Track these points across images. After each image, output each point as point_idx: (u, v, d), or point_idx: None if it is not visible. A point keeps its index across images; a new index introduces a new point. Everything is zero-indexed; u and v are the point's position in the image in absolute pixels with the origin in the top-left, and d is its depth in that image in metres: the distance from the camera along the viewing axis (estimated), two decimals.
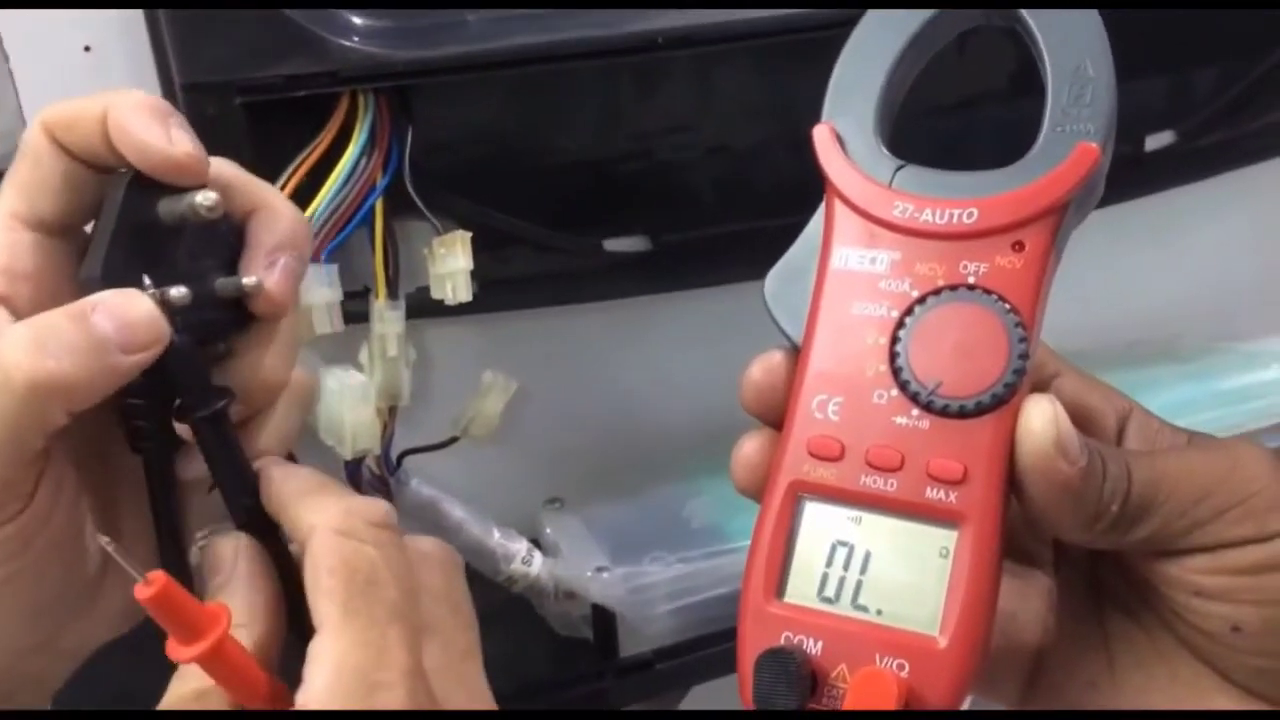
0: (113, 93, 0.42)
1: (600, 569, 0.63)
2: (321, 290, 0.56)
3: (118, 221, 0.42)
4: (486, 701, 0.43)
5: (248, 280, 0.44)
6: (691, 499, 0.67)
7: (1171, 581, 0.40)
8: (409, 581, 0.41)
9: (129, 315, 0.40)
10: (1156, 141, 0.73)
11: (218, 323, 0.45)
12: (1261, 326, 0.78)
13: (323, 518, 0.41)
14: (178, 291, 0.42)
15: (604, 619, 0.64)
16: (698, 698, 0.68)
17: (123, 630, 0.48)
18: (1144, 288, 0.76)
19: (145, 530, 0.46)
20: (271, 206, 0.45)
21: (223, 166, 0.45)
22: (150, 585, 0.37)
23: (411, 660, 0.39)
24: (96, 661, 0.50)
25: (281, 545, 0.44)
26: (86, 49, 0.53)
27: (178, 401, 0.44)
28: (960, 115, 0.68)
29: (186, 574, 0.46)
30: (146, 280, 0.42)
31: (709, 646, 0.64)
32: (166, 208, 0.43)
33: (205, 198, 0.42)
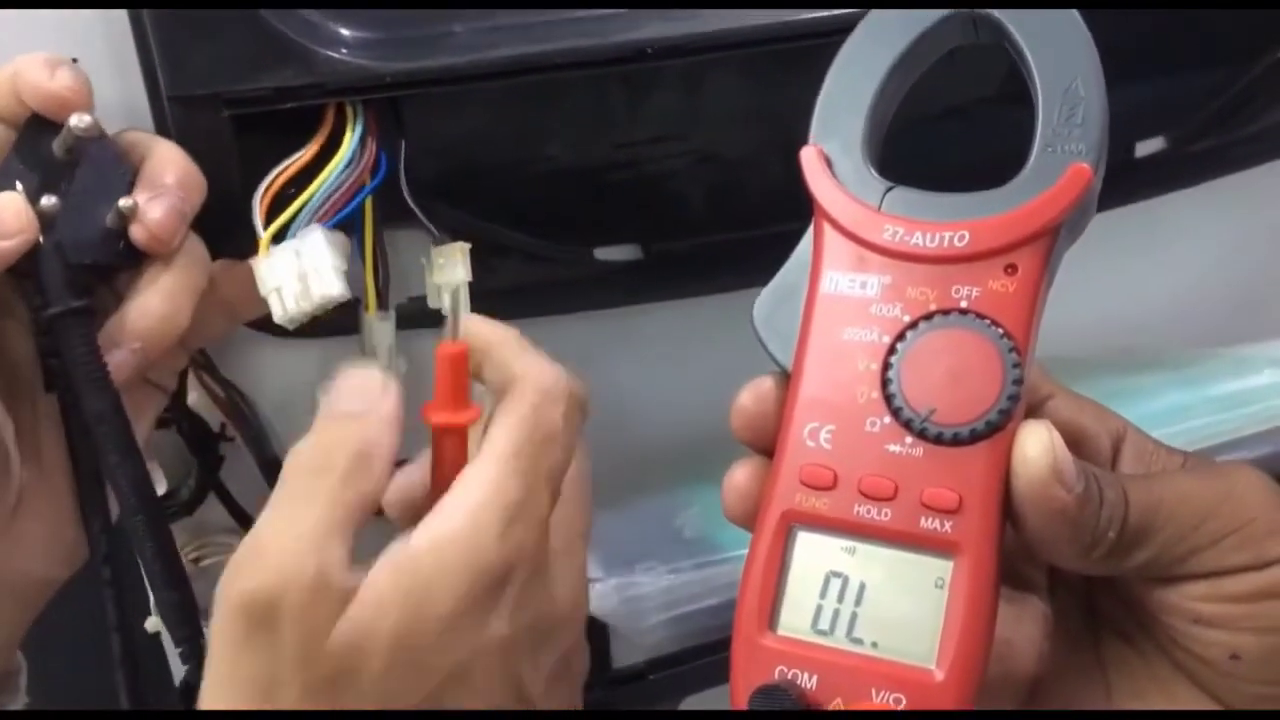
0: (22, 56, 0.49)
1: (592, 580, 0.62)
2: (326, 253, 0.53)
3: (10, 153, 0.49)
4: (582, 589, 0.49)
5: (124, 201, 0.49)
6: (683, 509, 0.67)
7: (1169, 608, 0.40)
8: (570, 458, 0.46)
9: None
10: (1147, 148, 0.73)
11: (112, 256, 0.50)
12: (1252, 331, 0.77)
13: (535, 371, 0.45)
14: (48, 200, 0.48)
15: (596, 630, 0.64)
16: (691, 708, 0.68)
17: (42, 570, 0.53)
18: (1134, 294, 0.76)
19: (65, 462, 0.52)
20: (163, 152, 0.51)
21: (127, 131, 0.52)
22: (455, 345, 0.44)
23: (546, 516, 0.44)
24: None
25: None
26: (75, 60, 0.52)
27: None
28: (944, 122, 0.69)
29: (105, 508, 0.52)
30: (19, 186, 0.48)
31: (702, 657, 0.64)
32: (57, 141, 0.49)
33: (78, 118, 0.48)
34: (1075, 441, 0.41)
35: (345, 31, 0.53)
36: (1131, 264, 0.72)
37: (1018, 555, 0.43)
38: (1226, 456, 0.68)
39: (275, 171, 0.53)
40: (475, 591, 0.41)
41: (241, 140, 0.53)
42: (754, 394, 0.42)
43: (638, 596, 0.62)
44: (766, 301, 0.43)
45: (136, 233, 0.50)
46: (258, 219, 0.53)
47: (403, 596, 0.41)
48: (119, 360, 0.49)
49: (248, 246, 0.54)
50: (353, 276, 0.58)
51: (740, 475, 0.42)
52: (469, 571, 0.41)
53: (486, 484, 0.42)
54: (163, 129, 0.54)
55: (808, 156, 0.43)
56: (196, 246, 0.52)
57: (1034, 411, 0.42)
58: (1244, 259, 0.79)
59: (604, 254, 0.66)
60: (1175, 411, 0.70)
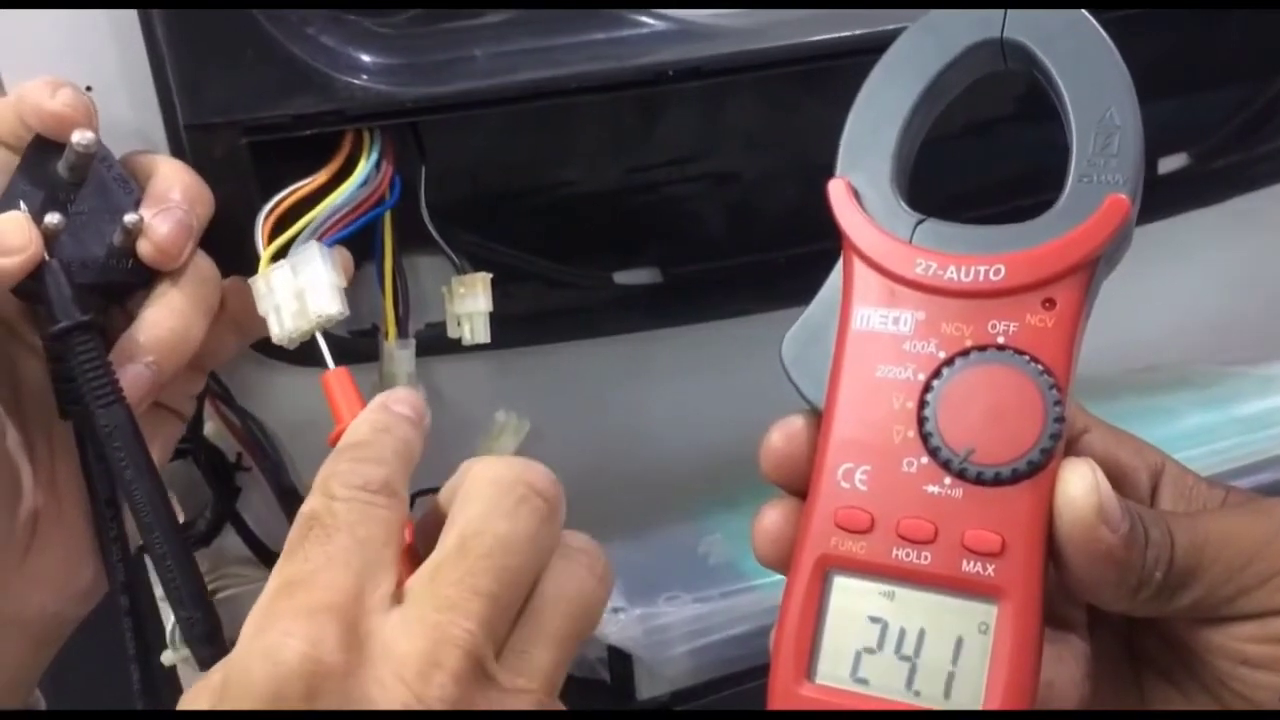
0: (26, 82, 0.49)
1: (615, 609, 0.62)
2: (322, 270, 0.52)
3: (15, 174, 0.48)
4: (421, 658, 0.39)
5: (129, 217, 0.49)
6: (706, 536, 0.66)
7: (1216, 649, 0.40)
8: (368, 531, 0.42)
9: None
10: (1170, 164, 0.72)
11: (120, 274, 0.50)
12: (1278, 349, 0.77)
13: (322, 471, 0.44)
14: (52, 218, 0.48)
15: (620, 660, 0.63)
16: None
17: (59, 606, 0.52)
18: (1158, 312, 0.75)
19: (81, 494, 0.52)
20: (168, 169, 0.51)
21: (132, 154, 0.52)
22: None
23: (327, 598, 0.39)
24: None
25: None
26: (89, 89, 0.52)
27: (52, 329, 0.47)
28: (962, 141, 0.68)
29: (122, 536, 0.51)
30: (23, 205, 0.47)
31: (728, 687, 0.63)
32: (61, 161, 0.48)
33: (80, 134, 0.48)
34: (1114, 477, 0.39)
35: (365, 58, 0.53)
36: (1155, 282, 0.72)
37: (1056, 593, 0.41)
38: (1253, 478, 0.67)
39: (281, 194, 0.53)
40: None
41: (260, 166, 0.53)
42: (784, 434, 0.41)
43: (662, 626, 0.61)
44: (795, 339, 0.41)
45: (144, 248, 0.49)
46: (259, 239, 0.52)
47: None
48: (134, 375, 0.49)
49: None
50: (371, 303, 0.58)
51: (771, 518, 0.41)
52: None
53: (272, 580, 0.41)
54: (179, 157, 0.53)
55: (835, 189, 0.42)
56: (206, 264, 0.52)
57: (1069, 447, 0.41)
58: (1269, 276, 0.79)
59: (623, 278, 0.66)
60: (1201, 432, 0.70)
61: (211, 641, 0.49)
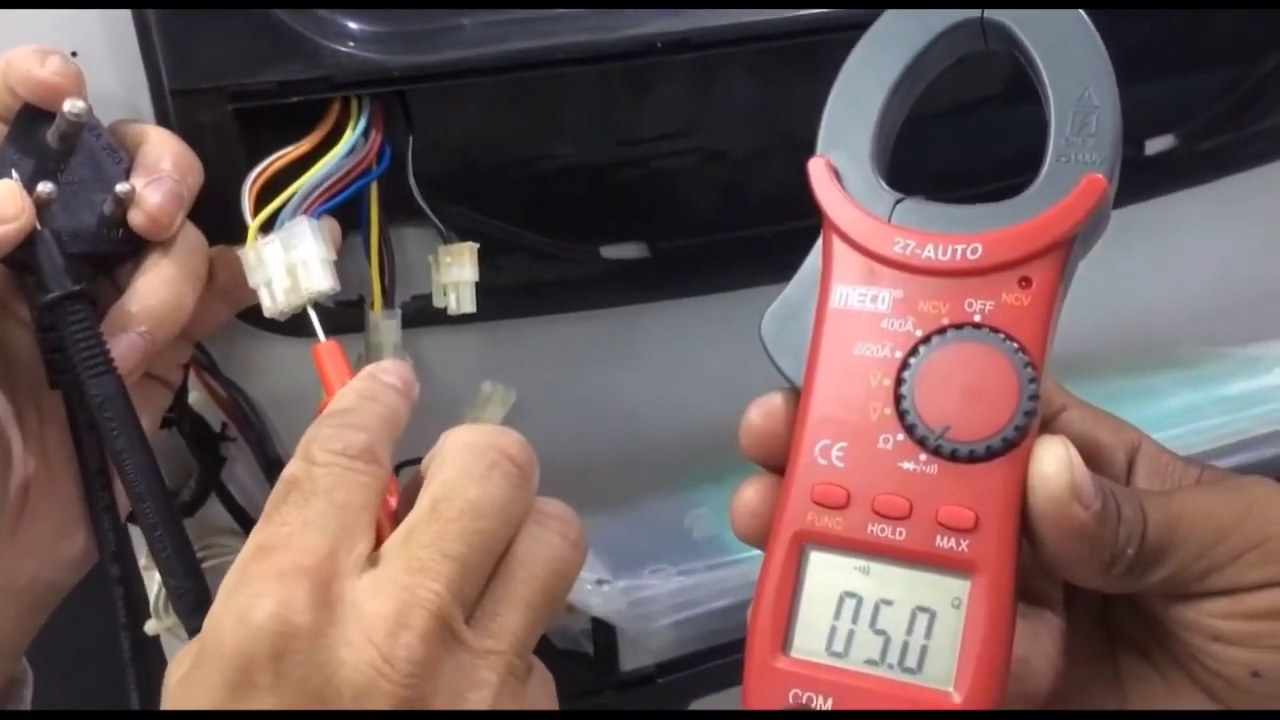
0: (13, 50, 0.48)
1: (600, 581, 0.62)
2: (312, 245, 0.52)
3: (5, 142, 0.48)
4: (390, 619, 0.40)
5: (121, 186, 0.49)
6: (692, 509, 0.66)
7: (1188, 625, 0.40)
8: (345, 495, 0.42)
9: None
10: (1157, 145, 0.72)
11: (110, 244, 0.50)
12: (1263, 330, 0.77)
13: (305, 436, 0.45)
14: (44, 187, 0.47)
15: (604, 632, 0.63)
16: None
17: (50, 574, 0.52)
18: (1144, 293, 0.75)
19: (71, 462, 0.52)
20: (157, 138, 0.51)
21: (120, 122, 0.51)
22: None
23: (299, 561, 0.40)
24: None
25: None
26: (73, 54, 0.52)
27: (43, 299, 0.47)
28: (949, 120, 0.68)
29: (113, 505, 0.52)
30: (15, 174, 0.47)
31: (712, 660, 0.63)
32: (51, 130, 0.48)
33: (71, 103, 0.47)
34: (1090, 455, 0.40)
35: (352, 25, 0.53)
36: (1141, 262, 0.72)
37: (1032, 570, 0.42)
38: (1236, 457, 0.67)
39: (266, 161, 0.53)
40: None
41: (247, 133, 0.53)
42: (763, 411, 0.41)
43: (647, 599, 0.62)
44: (775, 317, 0.42)
45: (135, 218, 0.49)
46: (246, 208, 0.52)
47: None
48: (126, 344, 0.49)
49: None
50: (357, 274, 0.58)
51: (750, 494, 0.41)
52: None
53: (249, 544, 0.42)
54: (165, 123, 0.53)
55: (815, 168, 0.42)
56: (194, 234, 0.52)
57: (1047, 424, 0.41)
58: (1255, 258, 0.79)
59: (610, 252, 0.66)
60: (1185, 411, 0.70)
61: (201, 611, 0.49)
